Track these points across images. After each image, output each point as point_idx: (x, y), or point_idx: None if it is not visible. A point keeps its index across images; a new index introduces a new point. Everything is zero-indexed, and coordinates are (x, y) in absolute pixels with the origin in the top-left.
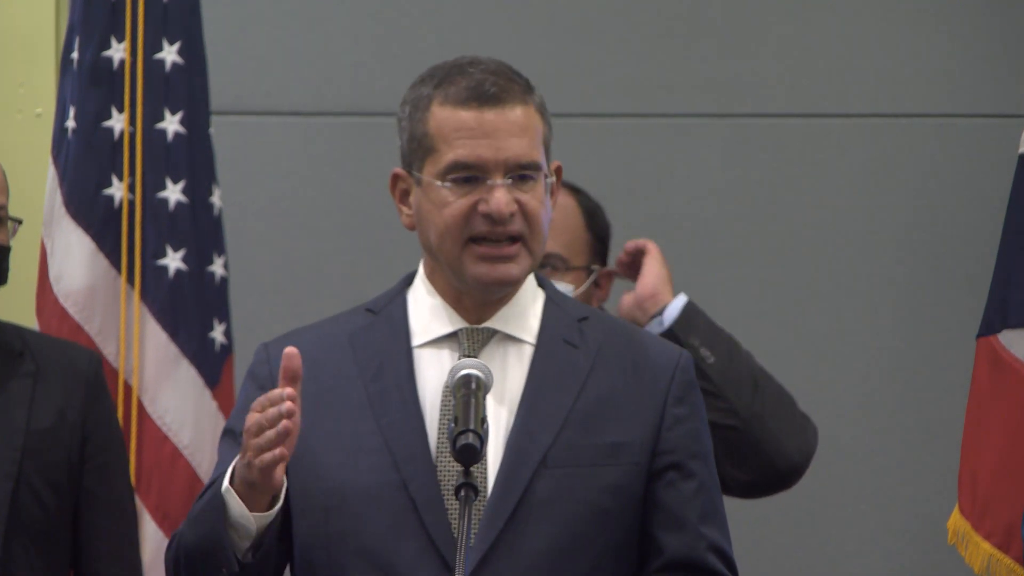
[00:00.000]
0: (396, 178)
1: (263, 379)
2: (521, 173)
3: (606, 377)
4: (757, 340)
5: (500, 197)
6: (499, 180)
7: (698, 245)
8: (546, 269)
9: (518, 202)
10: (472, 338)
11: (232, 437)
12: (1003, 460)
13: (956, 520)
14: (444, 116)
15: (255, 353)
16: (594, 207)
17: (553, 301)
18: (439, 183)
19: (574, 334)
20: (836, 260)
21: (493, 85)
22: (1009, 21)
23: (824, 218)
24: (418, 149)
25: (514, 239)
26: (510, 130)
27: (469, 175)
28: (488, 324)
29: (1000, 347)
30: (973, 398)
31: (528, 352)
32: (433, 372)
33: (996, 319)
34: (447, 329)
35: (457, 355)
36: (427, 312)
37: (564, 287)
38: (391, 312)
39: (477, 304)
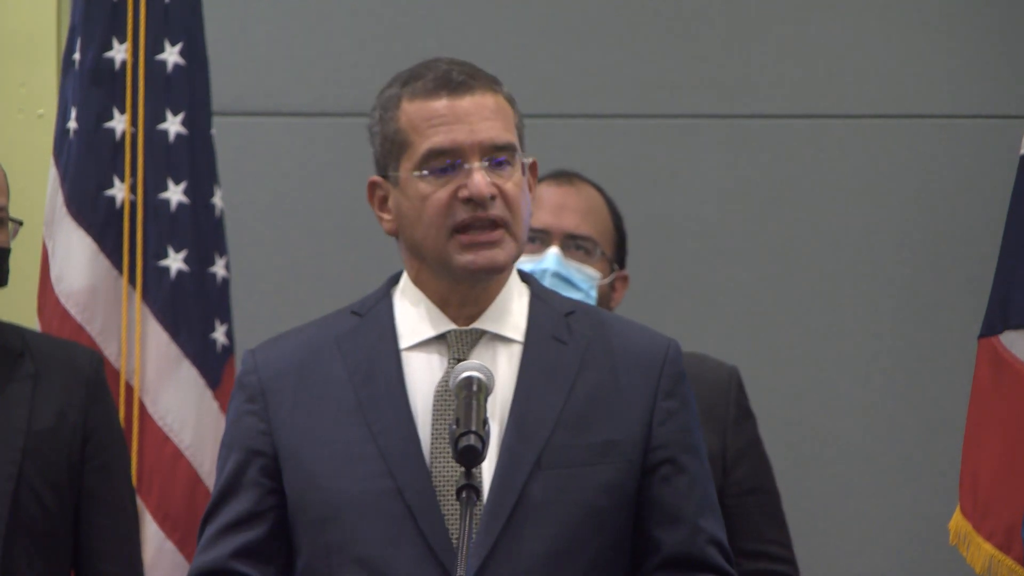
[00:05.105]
0: (373, 186)
1: (252, 389)
2: (497, 157)
3: (595, 374)
4: (758, 340)
5: (479, 179)
6: (476, 163)
7: (700, 245)
8: (576, 251)
9: (497, 186)
10: (461, 340)
11: (229, 451)
12: (1004, 461)
13: (957, 521)
14: (414, 109)
15: (242, 361)
16: (616, 208)
17: (539, 297)
18: (416, 174)
19: (562, 330)
20: (837, 260)
21: (460, 74)
22: (1009, 21)
23: (825, 218)
24: (392, 148)
25: (496, 224)
26: (482, 114)
27: (446, 163)
28: (476, 325)
29: (1001, 348)
30: (974, 399)
31: (517, 351)
32: (422, 375)
33: (997, 320)
34: (435, 331)
35: (446, 357)
36: (414, 314)
37: (591, 272)
38: (377, 315)
39: (464, 303)
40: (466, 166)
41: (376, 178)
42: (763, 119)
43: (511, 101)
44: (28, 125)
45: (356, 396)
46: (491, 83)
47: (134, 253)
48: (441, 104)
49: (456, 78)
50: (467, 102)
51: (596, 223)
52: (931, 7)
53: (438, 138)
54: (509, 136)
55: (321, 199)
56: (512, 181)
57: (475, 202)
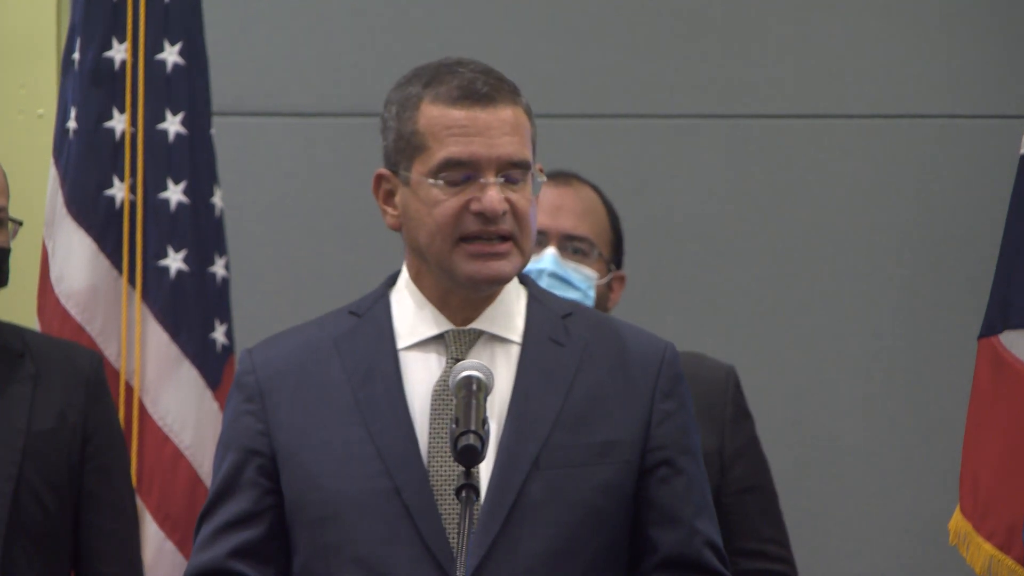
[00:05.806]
0: (380, 179)
1: (250, 390)
2: (512, 173)
3: (593, 375)
4: (758, 340)
5: (493, 195)
6: (491, 178)
7: (700, 245)
8: (574, 253)
9: (509, 201)
10: (459, 340)
11: (226, 451)
12: (1004, 461)
13: (957, 521)
14: (435, 114)
15: (239, 360)
16: (613, 209)
17: (536, 299)
18: (430, 181)
19: (559, 331)
20: (837, 260)
21: (484, 84)
22: (1009, 21)
23: (825, 218)
24: (406, 148)
25: (504, 238)
26: (502, 128)
27: (462, 174)
28: (474, 325)
29: (1001, 348)
30: (974, 399)
31: (515, 352)
32: (421, 375)
33: (997, 320)
34: (433, 331)
35: (444, 357)
36: (412, 314)
37: (589, 272)
38: (375, 315)
39: (463, 304)
40: (481, 180)
41: (385, 171)
42: (763, 119)
43: (529, 113)
44: (28, 125)
45: (354, 396)
46: (513, 95)
47: (134, 253)
48: (462, 114)
49: (480, 89)
50: (489, 115)
51: (593, 224)
52: (931, 7)
53: (456, 148)
54: (525, 153)
55: (321, 199)
56: (524, 196)
57: (486, 216)
